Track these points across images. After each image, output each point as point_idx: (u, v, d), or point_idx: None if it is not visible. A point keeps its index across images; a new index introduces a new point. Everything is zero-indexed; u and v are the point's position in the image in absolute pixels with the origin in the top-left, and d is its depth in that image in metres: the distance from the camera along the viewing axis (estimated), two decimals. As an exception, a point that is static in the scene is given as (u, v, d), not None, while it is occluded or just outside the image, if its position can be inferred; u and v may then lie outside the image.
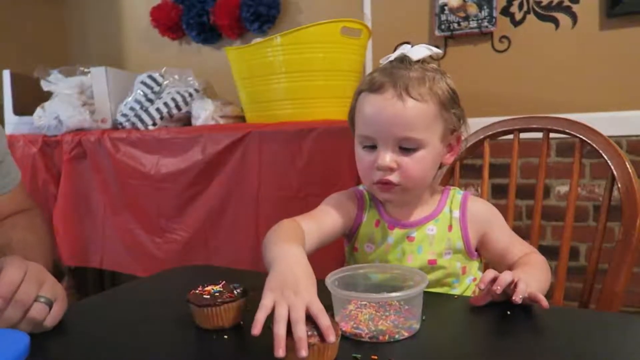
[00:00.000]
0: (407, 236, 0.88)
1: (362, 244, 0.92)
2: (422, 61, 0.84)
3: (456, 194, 0.92)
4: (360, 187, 0.95)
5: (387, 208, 0.91)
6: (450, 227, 0.89)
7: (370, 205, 0.92)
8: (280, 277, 0.63)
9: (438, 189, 0.94)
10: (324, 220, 0.88)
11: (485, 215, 0.91)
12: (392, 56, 0.86)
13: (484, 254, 0.92)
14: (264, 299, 0.59)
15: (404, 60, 0.84)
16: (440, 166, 0.89)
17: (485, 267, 0.98)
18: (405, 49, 0.85)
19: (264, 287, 0.61)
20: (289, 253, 0.69)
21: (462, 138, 0.88)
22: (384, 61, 0.87)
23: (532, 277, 0.77)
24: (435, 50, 0.86)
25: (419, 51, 0.84)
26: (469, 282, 0.91)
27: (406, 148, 0.80)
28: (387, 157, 0.80)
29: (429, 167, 0.84)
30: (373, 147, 0.83)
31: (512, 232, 0.93)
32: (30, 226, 0.92)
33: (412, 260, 0.87)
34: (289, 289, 0.60)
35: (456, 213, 0.89)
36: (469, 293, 0.91)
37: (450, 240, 0.88)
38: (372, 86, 0.82)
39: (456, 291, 0.90)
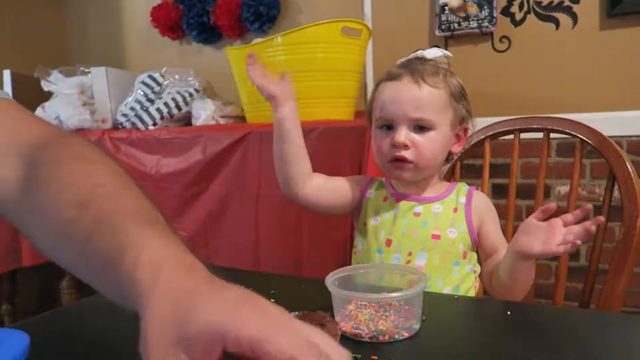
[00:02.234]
0: (414, 212, 0.92)
1: (369, 219, 0.95)
2: (434, 60, 0.94)
3: (462, 186, 0.98)
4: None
5: (396, 188, 0.97)
6: (455, 210, 0.93)
7: (379, 185, 0.99)
8: None
9: (445, 181, 1.01)
10: (336, 179, 0.99)
11: (485, 208, 0.95)
12: (409, 56, 0.96)
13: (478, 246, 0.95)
14: None
15: (418, 58, 0.94)
16: (449, 155, 0.96)
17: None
18: (418, 52, 0.96)
19: None
20: None
21: (470, 130, 0.96)
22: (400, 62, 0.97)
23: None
24: (446, 52, 0.96)
25: (431, 51, 0.95)
26: (469, 270, 0.93)
27: (420, 128, 0.88)
28: (403, 135, 0.88)
29: (439, 148, 0.91)
30: (390, 128, 0.90)
31: (503, 237, 0.96)
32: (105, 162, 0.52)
33: (416, 234, 0.91)
34: None
35: (462, 199, 0.94)
36: (468, 282, 0.93)
37: (454, 220, 0.92)
38: (390, 76, 0.92)
39: (456, 275, 0.91)
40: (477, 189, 0.98)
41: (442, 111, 0.89)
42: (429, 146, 0.89)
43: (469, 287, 0.93)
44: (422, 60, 0.93)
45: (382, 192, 0.97)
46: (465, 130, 0.95)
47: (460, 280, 0.91)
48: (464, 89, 0.93)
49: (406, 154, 0.88)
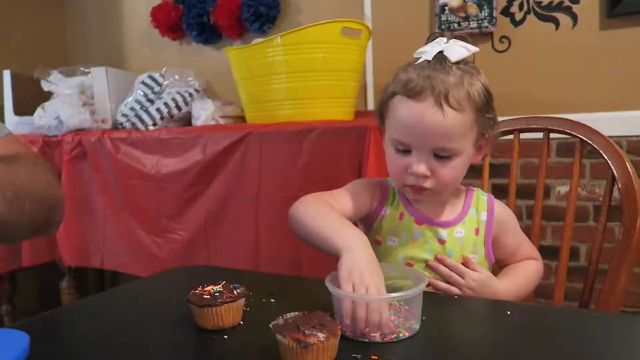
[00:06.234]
0: (438, 238, 0.88)
1: (384, 238, 0.90)
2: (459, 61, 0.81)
3: (480, 195, 0.94)
4: (388, 180, 0.94)
5: (414, 204, 0.90)
6: (477, 231, 0.90)
7: (393, 199, 0.91)
8: (356, 267, 0.66)
9: (460, 188, 0.94)
10: (344, 203, 0.87)
11: (502, 219, 0.93)
12: (429, 52, 0.82)
13: (494, 253, 0.93)
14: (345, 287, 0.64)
15: (442, 61, 0.80)
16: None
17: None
18: (441, 44, 0.82)
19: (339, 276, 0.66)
20: (355, 240, 0.71)
21: (491, 137, 0.88)
22: (418, 55, 0.83)
23: (509, 282, 0.89)
24: (472, 48, 0.83)
25: (457, 52, 0.81)
26: None
27: (441, 156, 0.81)
28: (422, 166, 0.80)
29: (460, 173, 0.85)
30: (406, 151, 0.82)
31: (524, 236, 0.96)
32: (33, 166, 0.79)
33: None
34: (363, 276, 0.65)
35: (483, 215, 0.91)
36: None
37: (475, 244, 0.90)
38: (409, 91, 0.79)
39: None
40: (494, 198, 0.95)
41: (466, 134, 0.81)
42: (450, 173, 0.82)
43: None
44: (446, 66, 0.80)
45: (398, 207, 0.90)
46: (487, 139, 0.87)
47: None
48: (489, 93, 0.84)
49: (425, 183, 0.82)
